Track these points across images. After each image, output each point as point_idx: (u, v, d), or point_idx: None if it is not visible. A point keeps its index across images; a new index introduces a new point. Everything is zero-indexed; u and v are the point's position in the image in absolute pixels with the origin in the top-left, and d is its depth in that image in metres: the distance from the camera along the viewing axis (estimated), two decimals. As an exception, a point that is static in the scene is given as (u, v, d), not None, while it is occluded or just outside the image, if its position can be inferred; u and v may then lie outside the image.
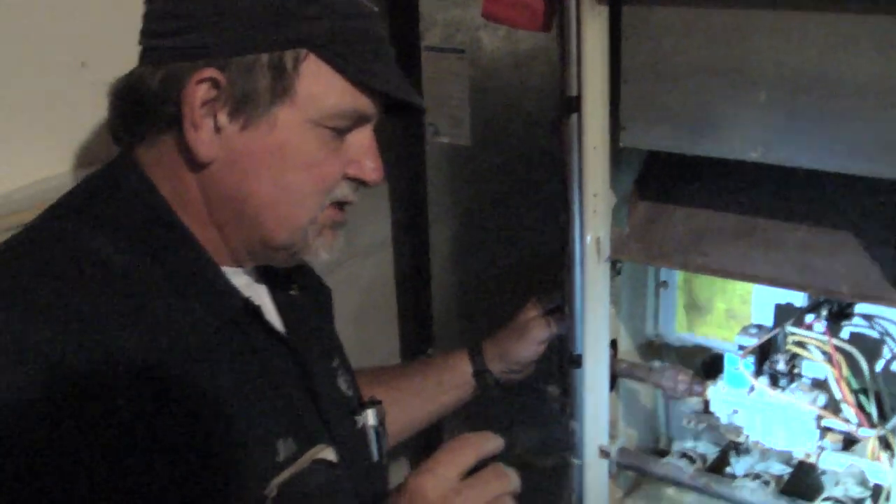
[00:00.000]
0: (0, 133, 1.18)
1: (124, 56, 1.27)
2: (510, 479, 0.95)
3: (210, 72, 0.90)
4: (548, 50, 1.39)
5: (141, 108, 0.94)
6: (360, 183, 1.00)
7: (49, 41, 1.22)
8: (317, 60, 0.92)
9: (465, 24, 1.52)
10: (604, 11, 1.08)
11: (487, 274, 1.68)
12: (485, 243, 1.66)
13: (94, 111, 1.27)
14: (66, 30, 1.24)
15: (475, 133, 1.58)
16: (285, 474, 0.94)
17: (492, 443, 0.96)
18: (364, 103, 0.96)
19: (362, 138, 0.99)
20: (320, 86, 0.93)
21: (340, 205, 1.00)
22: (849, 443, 1.19)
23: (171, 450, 0.84)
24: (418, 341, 1.97)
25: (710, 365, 1.33)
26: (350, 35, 0.93)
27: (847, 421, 1.14)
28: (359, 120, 0.97)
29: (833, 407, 1.17)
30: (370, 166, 0.99)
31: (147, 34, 0.95)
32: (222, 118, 0.91)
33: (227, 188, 0.94)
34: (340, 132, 0.96)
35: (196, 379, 0.88)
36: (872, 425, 1.12)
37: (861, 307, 1.18)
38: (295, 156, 0.94)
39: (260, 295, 1.05)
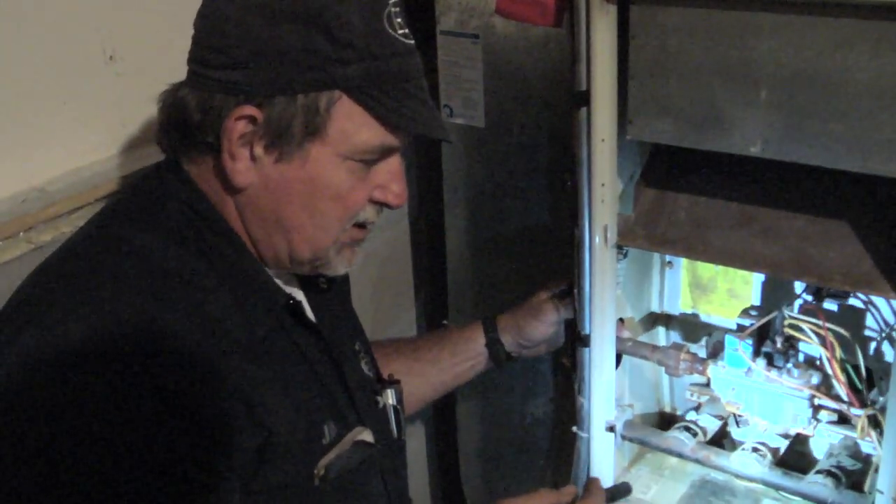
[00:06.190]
0: (29, 127, 1.21)
1: (150, 49, 1.32)
2: None
3: (249, 109, 0.95)
4: (559, 35, 1.41)
5: (183, 132, 1.00)
6: (383, 205, 1.05)
7: (77, 35, 1.25)
8: (349, 101, 0.97)
9: (479, 10, 1.54)
10: (612, 10, 1.11)
11: (499, 248, 1.71)
12: (497, 219, 1.68)
13: (120, 103, 1.31)
14: (93, 24, 1.27)
15: (489, 115, 1.61)
16: (331, 455, 1.02)
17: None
18: (392, 140, 1.01)
19: (389, 166, 1.04)
20: (352, 125, 0.97)
21: (363, 225, 1.06)
22: (843, 415, 1.24)
23: (232, 435, 0.91)
24: (434, 312, 2.02)
25: (717, 343, 1.35)
26: (383, 76, 0.97)
27: (839, 399, 1.20)
28: (386, 152, 1.02)
29: (827, 384, 1.23)
30: (395, 191, 1.04)
31: (194, 59, 1.00)
32: (258, 150, 0.97)
33: (260, 209, 1.01)
34: (368, 163, 1.01)
35: (250, 371, 0.95)
36: (863, 404, 1.17)
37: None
38: (325, 187, 0.99)
39: (295, 291, 1.12)
